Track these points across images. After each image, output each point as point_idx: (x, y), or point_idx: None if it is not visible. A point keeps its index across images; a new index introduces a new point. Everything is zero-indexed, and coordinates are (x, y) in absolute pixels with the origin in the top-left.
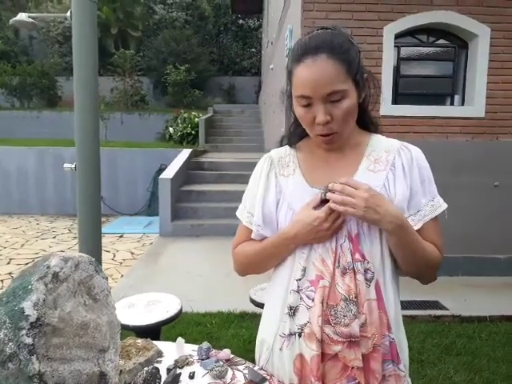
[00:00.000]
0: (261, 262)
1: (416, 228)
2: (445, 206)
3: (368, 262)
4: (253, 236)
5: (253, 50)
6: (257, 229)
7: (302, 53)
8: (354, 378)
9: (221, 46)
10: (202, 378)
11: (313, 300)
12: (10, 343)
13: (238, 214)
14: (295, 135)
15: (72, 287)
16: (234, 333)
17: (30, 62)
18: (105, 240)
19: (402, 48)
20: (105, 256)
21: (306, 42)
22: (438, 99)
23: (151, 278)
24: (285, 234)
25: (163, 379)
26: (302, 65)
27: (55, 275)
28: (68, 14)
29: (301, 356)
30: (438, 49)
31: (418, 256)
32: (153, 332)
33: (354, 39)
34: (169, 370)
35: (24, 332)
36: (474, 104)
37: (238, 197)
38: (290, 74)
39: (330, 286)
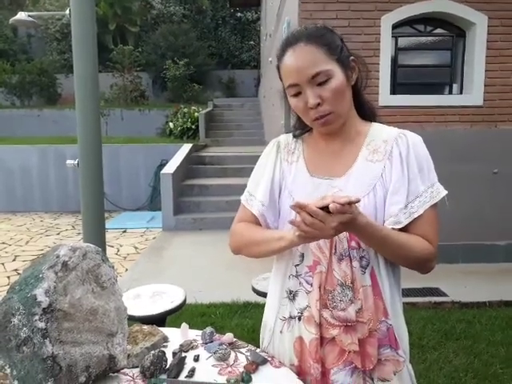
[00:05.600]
0: (255, 248)
1: (417, 215)
2: (444, 192)
3: (363, 250)
4: (255, 213)
5: (251, 42)
6: (259, 208)
7: (283, 48)
8: (351, 363)
9: (219, 39)
10: (206, 360)
11: (311, 285)
12: (24, 328)
13: (241, 197)
14: (299, 129)
15: (81, 275)
16: (237, 322)
17: (28, 59)
18: (108, 235)
19: (399, 38)
20: (109, 251)
21: (285, 39)
22: (436, 88)
23: (155, 272)
24: (283, 236)
25: (169, 362)
26: (285, 58)
27: (64, 264)
28: (67, 11)
29: (300, 339)
30: (435, 38)
31: (394, 253)
32: (158, 322)
33: (333, 29)
34: (174, 354)
35: (37, 317)
36: (473, 92)
37: (239, 190)
38: (278, 70)
39: (326, 272)
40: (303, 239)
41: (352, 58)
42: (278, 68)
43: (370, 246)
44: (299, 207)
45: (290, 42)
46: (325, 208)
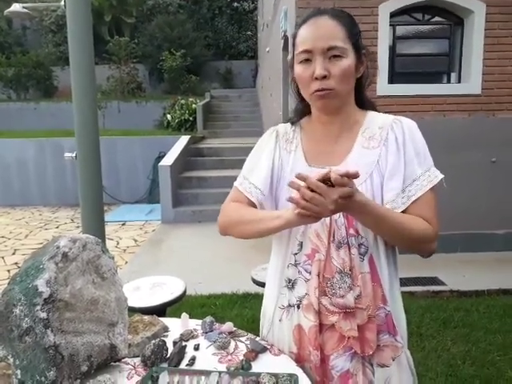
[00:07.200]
0: (246, 227)
1: (414, 198)
2: (441, 176)
3: (362, 237)
4: (255, 202)
5: (248, 33)
6: (258, 197)
7: (305, 18)
8: (351, 348)
9: (216, 29)
10: (206, 349)
11: (310, 273)
12: (26, 318)
13: (236, 183)
14: (297, 113)
15: (81, 266)
16: (237, 313)
17: (24, 52)
18: (107, 228)
19: (397, 27)
20: (108, 244)
21: (310, 12)
22: (434, 77)
23: (155, 264)
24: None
25: (170, 351)
26: (305, 25)
27: (65, 255)
28: (62, 2)
29: (299, 326)
30: (433, 27)
31: (393, 233)
32: (158, 313)
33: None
34: (175, 343)
35: (39, 307)
36: (471, 81)
37: None
38: (294, 38)
39: (325, 260)
40: (302, 218)
41: (364, 51)
42: (294, 36)
43: (369, 227)
44: (300, 179)
45: (314, 14)
46: (325, 182)
